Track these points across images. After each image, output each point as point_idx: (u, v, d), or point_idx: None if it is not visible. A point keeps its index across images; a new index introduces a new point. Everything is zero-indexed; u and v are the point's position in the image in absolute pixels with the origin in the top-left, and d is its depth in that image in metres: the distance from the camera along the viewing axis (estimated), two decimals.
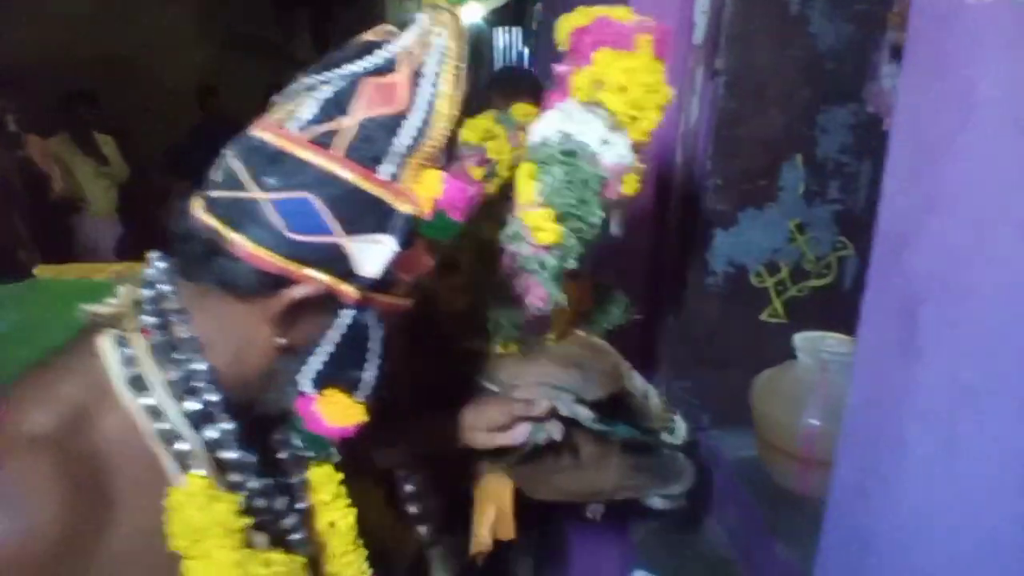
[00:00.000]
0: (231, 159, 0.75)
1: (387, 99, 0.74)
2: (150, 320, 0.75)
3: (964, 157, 0.76)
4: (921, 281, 0.81)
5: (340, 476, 0.91)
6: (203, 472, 0.73)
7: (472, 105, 2.07)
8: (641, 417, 1.40)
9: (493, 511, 1.34)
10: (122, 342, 0.74)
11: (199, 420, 0.75)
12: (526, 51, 5.20)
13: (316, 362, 0.78)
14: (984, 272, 0.74)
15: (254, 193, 0.72)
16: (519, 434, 1.22)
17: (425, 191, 0.76)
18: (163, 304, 0.76)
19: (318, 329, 0.77)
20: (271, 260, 0.72)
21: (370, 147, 0.73)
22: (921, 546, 0.83)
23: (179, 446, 0.73)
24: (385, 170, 0.74)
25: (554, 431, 1.23)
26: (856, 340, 0.90)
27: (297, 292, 0.73)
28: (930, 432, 0.79)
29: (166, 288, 0.76)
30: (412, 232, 0.76)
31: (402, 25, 0.78)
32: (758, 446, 1.99)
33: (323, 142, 0.72)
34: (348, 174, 0.72)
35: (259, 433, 0.85)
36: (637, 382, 1.41)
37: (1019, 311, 0.71)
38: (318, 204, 0.71)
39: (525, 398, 1.24)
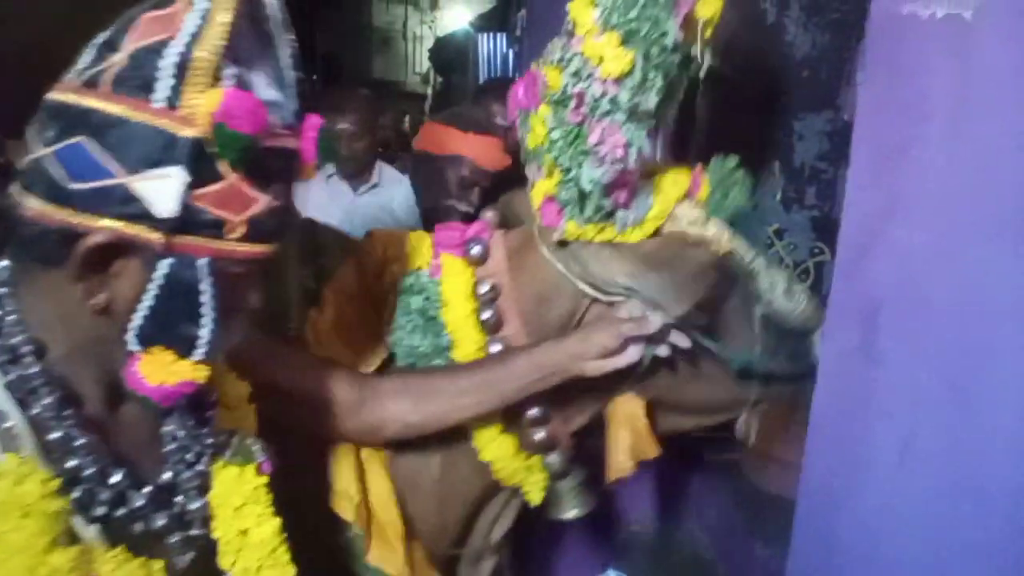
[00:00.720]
0: (28, 131, 0.72)
1: (160, 28, 0.70)
2: None
3: (920, 165, 0.79)
4: (881, 287, 0.83)
5: (261, 479, 0.85)
6: (26, 453, 0.69)
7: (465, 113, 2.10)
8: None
9: (629, 434, 1.29)
10: None
11: (20, 393, 0.71)
12: (510, 57, 5.24)
13: (138, 319, 0.73)
14: (941, 278, 0.76)
15: (39, 151, 0.70)
16: (632, 354, 1.15)
17: (204, 109, 0.68)
18: None
19: (136, 286, 0.72)
20: (56, 215, 0.69)
21: (138, 75, 0.68)
22: (884, 545, 0.85)
23: (4, 424, 0.70)
24: (159, 97, 0.68)
25: (679, 340, 1.16)
26: (821, 344, 0.93)
27: (86, 244, 0.69)
28: (890, 435, 0.81)
29: None
30: (205, 159, 0.69)
31: None
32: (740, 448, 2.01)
33: (92, 82, 0.69)
34: (116, 107, 0.68)
35: (139, 426, 0.82)
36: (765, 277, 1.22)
37: (976, 316, 0.73)
38: (91, 146, 0.68)
39: (634, 316, 1.16)
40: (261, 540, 0.83)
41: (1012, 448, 0.68)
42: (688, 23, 1.03)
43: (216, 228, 0.71)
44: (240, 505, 0.83)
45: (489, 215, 1.39)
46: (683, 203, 1.20)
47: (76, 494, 0.72)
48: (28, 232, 0.71)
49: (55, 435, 0.72)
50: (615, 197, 1.12)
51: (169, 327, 0.74)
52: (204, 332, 0.75)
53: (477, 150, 2.03)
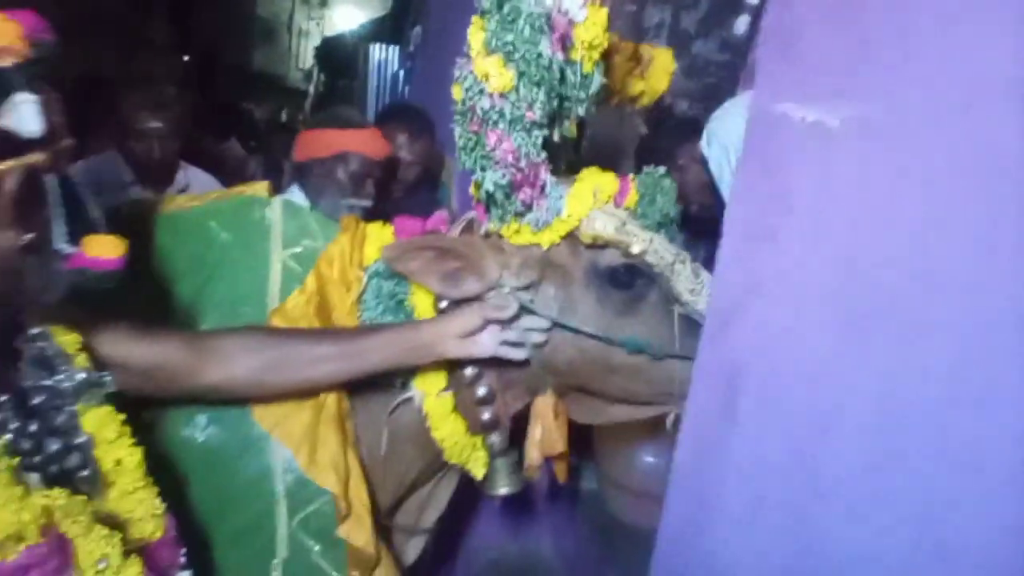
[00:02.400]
0: None
1: None
2: None
3: (784, 249, 0.88)
4: (742, 354, 0.91)
5: (121, 416, 0.93)
6: None
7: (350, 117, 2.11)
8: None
9: (539, 430, 1.38)
10: None
11: None
12: (401, 72, 5.22)
13: (59, 226, 0.83)
14: (798, 351, 0.85)
15: None
16: (486, 339, 1.25)
17: None
18: None
19: (38, 205, 0.81)
20: None
21: None
22: None
23: None
24: None
25: (533, 335, 1.27)
26: (687, 402, 1.00)
27: None
28: (740, 494, 0.89)
29: None
30: None
31: None
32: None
33: None
34: None
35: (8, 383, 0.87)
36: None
37: (823, 389, 0.82)
38: None
39: (496, 303, 1.26)
40: (133, 466, 0.92)
41: (851, 516, 0.77)
42: (566, 44, 1.15)
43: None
44: (113, 439, 0.91)
45: (444, 212, 1.48)
46: (605, 207, 1.30)
47: (11, 448, 0.79)
48: None
49: None
50: (520, 199, 1.23)
51: (83, 219, 0.85)
52: (95, 213, 0.87)
53: (359, 142, 2.05)
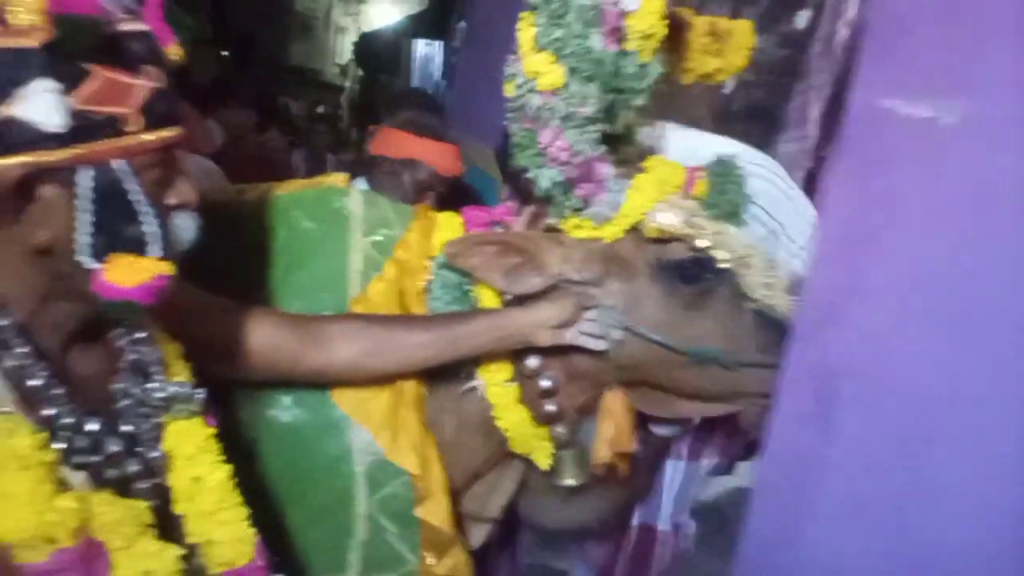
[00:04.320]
0: None
1: None
2: None
3: (887, 250, 0.86)
4: (839, 358, 0.89)
5: (210, 430, 0.89)
6: (5, 408, 0.71)
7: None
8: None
9: (612, 427, 1.38)
10: None
11: None
12: (440, 66, 5.22)
13: (82, 238, 0.74)
14: (899, 357, 0.82)
15: None
16: (574, 330, 1.25)
17: (34, 8, 0.67)
18: None
19: (66, 210, 0.73)
20: None
21: None
22: None
23: None
24: None
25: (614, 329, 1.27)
26: (775, 406, 0.98)
27: (2, 188, 0.69)
28: (837, 499, 0.87)
29: None
30: (64, 61, 0.69)
31: None
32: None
33: None
34: None
35: (96, 380, 0.84)
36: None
37: (930, 395, 0.80)
38: None
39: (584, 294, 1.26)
40: (214, 485, 0.88)
41: (961, 521, 0.75)
42: (620, 36, 1.13)
43: (112, 126, 0.72)
44: (193, 454, 0.87)
45: (511, 202, 1.47)
46: (670, 199, 1.28)
47: (59, 444, 0.75)
48: None
49: (34, 383, 0.74)
50: (578, 195, 1.22)
51: (114, 233, 0.75)
52: (149, 228, 0.77)
53: (433, 155, 2.08)
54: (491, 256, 1.28)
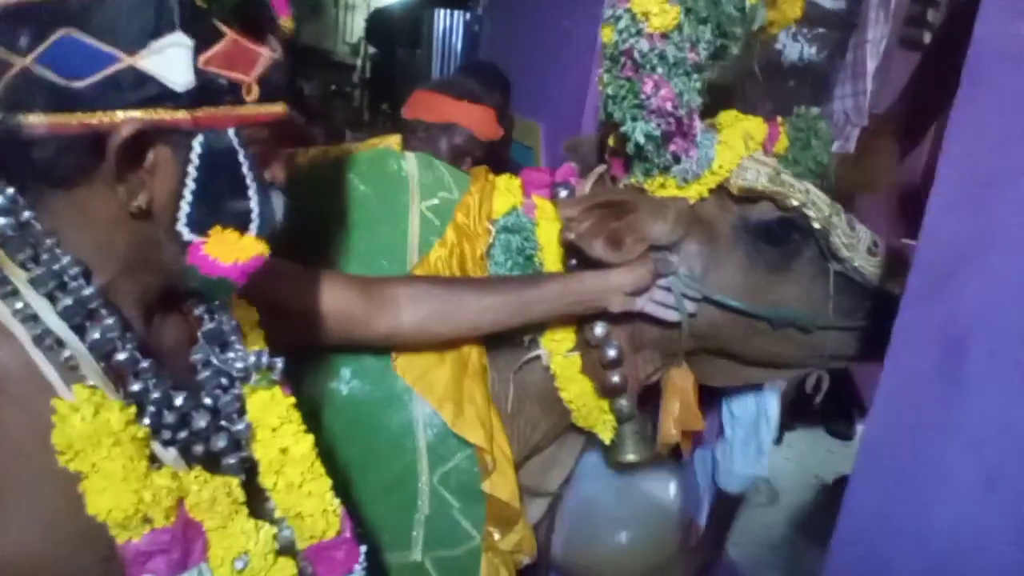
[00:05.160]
0: None
1: None
2: (2, 222, 0.67)
3: (1020, 193, 0.78)
4: (968, 312, 0.82)
5: (290, 400, 0.85)
6: (92, 382, 0.68)
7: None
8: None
9: (678, 405, 1.34)
10: None
11: (76, 319, 0.68)
12: (461, 37, 5.12)
13: (185, 206, 0.70)
14: None
15: (18, 63, 0.63)
16: (646, 297, 1.20)
17: None
18: (13, 207, 0.68)
19: (174, 174, 0.69)
20: (70, 121, 0.63)
21: None
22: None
23: (63, 353, 0.67)
24: None
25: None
26: (885, 365, 0.91)
27: (115, 141, 0.64)
28: (972, 465, 0.80)
29: (11, 191, 0.68)
30: (201, 18, 0.66)
31: None
32: None
33: None
34: None
35: (175, 352, 0.81)
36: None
37: None
38: (80, 35, 0.63)
39: (661, 259, 1.21)
40: (300, 456, 0.84)
41: None
42: None
43: (234, 93, 0.69)
44: (277, 425, 0.83)
45: (572, 164, 1.41)
46: (755, 155, 1.21)
47: (147, 419, 0.72)
48: (42, 153, 0.65)
49: (121, 357, 0.71)
50: (671, 150, 1.14)
51: (219, 206, 0.72)
52: (253, 204, 0.73)
53: (472, 119, 2.01)
54: (598, 221, 1.20)
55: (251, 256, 0.71)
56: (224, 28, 0.68)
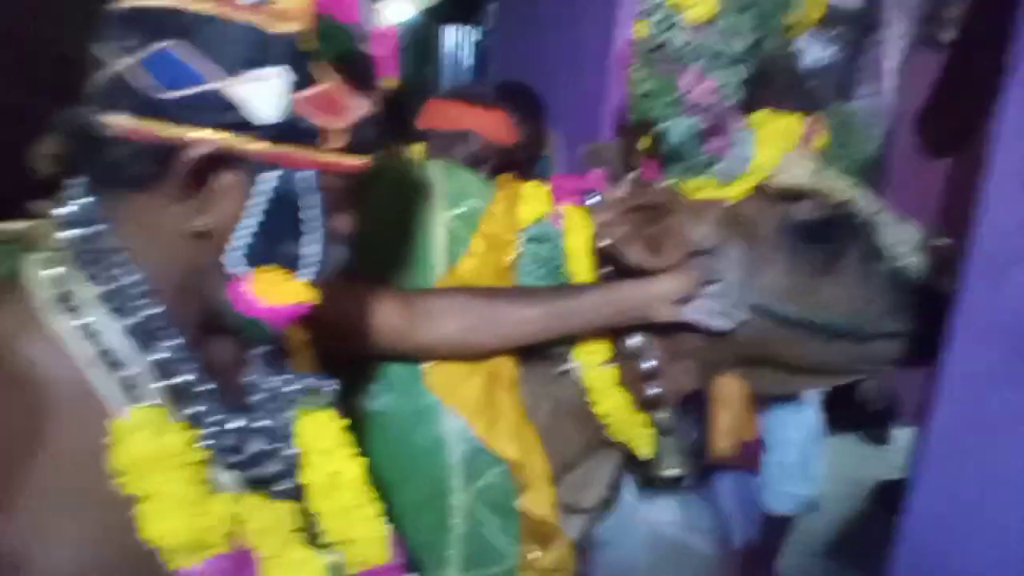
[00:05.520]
0: (96, 47, 0.67)
1: None
2: (74, 234, 0.68)
3: None
4: None
5: (341, 423, 0.83)
6: (152, 402, 0.67)
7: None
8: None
9: (730, 416, 1.30)
10: (45, 262, 0.68)
11: (141, 338, 0.68)
12: (470, 52, 5.11)
13: (241, 238, 0.69)
14: None
15: (117, 63, 0.64)
16: (694, 306, 1.16)
17: (299, 2, 0.66)
18: (83, 218, 0.69)
19: (238, 203, 0.68)
20: (149, 129, 0.64)
21: None
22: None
23: (123, 372, 0.67)
24: None
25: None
26: (943, 359, 0.88)
27: (186, 157, 0.64)
28: None
29: (84, 200, 0.69)
30: (302, 58, 0.67)
31: None
32: None
33: None
34: (205, 5, 0.63)
35: (228, 374, 0.79)
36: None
37: None
38: (180, 50, 0.63)
39: (707, 266, 1.16)
40: (351, 481, 0.82)
41: None
42: None
43: (317, 137, 0.69)
44: (329, 449, 0.82)
45: (601, 170, 1.37)
46: (794, 152, 1.17)
47: (205, 441, 0.70)
48: (118, 153, 0.65)
49: (183, 379, 0.70)
50: (710, 148, 1.11)
51: (275, 246, 0.70)
52: (310, 250, 0.72)
53: (486, 125, 1.98)
54: (635, 226, 1.16)
55: (293, 302, 0.70)
56: (326, 72, 0.68)
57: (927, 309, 1.18)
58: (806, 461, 1.72)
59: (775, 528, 1.80)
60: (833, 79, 2.11)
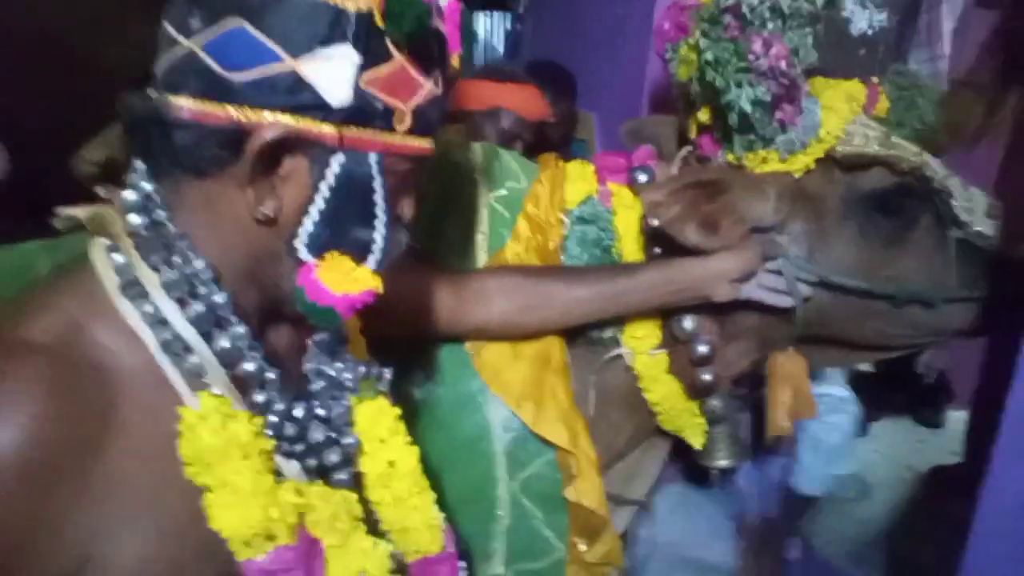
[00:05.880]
0: (162, 25, 0.65)
1: None
2: (138, 221, 0.67)
3: None
4: None
5: (396, 411, 0.82)
6: (218, 390, 0.66)
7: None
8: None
9: (789, 393, 1.23)
10: (113, 248, 0.67)
11: (206, 326, 0.67)
12: (503, 38, 5.07)
13: (309, 224, 0.67)
14: None
15: (184, 43, 0.63)
16: (754, 283, 1.12)
17: None
18: (146, 205, 0.67)
19: (306, 188, 0.66)
20: (218, 112, 0.62)
21: None
22: None
23: (189, 360, 0.66)
24: None
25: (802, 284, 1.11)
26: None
27: (257, 141, 0.62)
28: None
29: (148, 187, 0.67)
30: (375, 36, 0.64)
31: None
32: None
33: None
34: None
35: (288, 361, 0.77)
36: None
37: None
38: (250, 29, 0.61)
39: (768, 241, 1.12)
40: (408, 470, 0.81)
41: None
42: None
43: (386, 119, 0.67)
44: (385, 437, 0.80)
45: (650, 147, 1.32)
46: (858, 119, 1.12)
47: (270, 430, 0.69)
48: (183, 138, 0.63)
49: (249, 367, 0.68)
50: (779, 116, 1.05)
51: (343, 232, 0.68)
52: (378, 236, 0.70)
53: (517, 100, 1.95)
54: (689, 205, 1.10)
55: (362, 290, 0.68)
56: (395, 51, 0.66)
57: (1003, 276, 1.12)
58: (846, 441, 1.66)
59: (794, 508, 1.75)
60: (885, 46, 2.04)
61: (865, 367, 2.29)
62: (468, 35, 5.41)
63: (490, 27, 5.27)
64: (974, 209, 1.11)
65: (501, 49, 5.04)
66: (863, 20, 1.94)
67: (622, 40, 2.27)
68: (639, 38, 2.06)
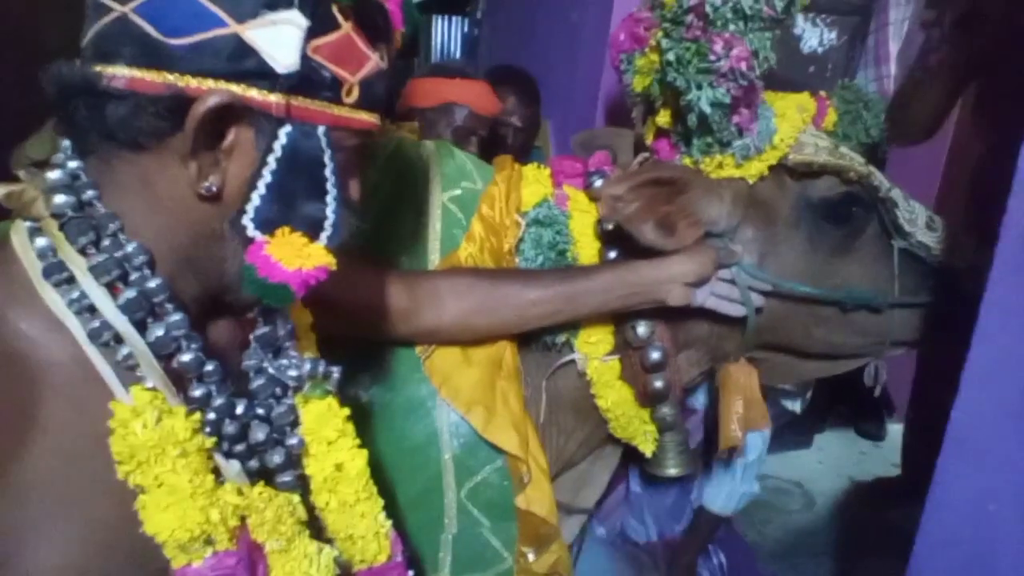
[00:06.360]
0: None
1: None
2: (62, 200, 0.62)
3: None
4: None
5: (345, 412, 0.77)
6: (152, 384, 0.62)
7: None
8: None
9: (741, 403, 1.22)
10: (35, 231, 0.62)
11: (139, 314, 0.62)
12: (459, 42, 5.06)
13: (257, 199, 0.63)
14: None
15: (117, 8, 0.58)
16: (705, 290, 1.11)
17: None
18: (74, 183, 0.63)
19: (252, 161, 0.63)
20: (156, 80, 0.58)
21: None
22: None
23: (121, 351, 0.61)
24: None
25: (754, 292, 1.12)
26: (972, 345, 0.83)
27: (200, 108, 0.58)
28: None
29: (74, 164, 0.63)
30: (322, 2, 0.61)
31: None
32: None
33: None
34: None
35: (228, 358, 0.72)
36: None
37: None
38: None
39: (724, 247, 1.11)
40: (356, 474, 0.77)
41: None
42: None
43: (334, 90, 0.64)
44: (333, 439, 0.76)
45: (606, 152, 1.31)
46: (808, 130, 1.13)
47: (208, 428, 0.65)
48: (117, 110, 0.58)
49: (186, 358, 0.64)
50: (737, 121, 1.05)
51: (293, 207, 0.64)
52: (329, 212, 0.66)
53: (468, 95, 1.92)
54: (648, 202, 1.09)
55: (316, 265, 0.64)
56: (341, 20, 0.63)
57: (943, 286, 1.15)
58: (760, 460, 1.68)
59: (704, 526, 1.76)
60: (834, 64, 2.09)
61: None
62: (426, 39, 5.40)
63: (447, 31, 5.26)
64: (916, 220, 1.13)
65: (458, 54, 5.04)
66: (814, 38, 1.99)
67: (578, 47, 2.27)
68: (595, 46, 2.06)
